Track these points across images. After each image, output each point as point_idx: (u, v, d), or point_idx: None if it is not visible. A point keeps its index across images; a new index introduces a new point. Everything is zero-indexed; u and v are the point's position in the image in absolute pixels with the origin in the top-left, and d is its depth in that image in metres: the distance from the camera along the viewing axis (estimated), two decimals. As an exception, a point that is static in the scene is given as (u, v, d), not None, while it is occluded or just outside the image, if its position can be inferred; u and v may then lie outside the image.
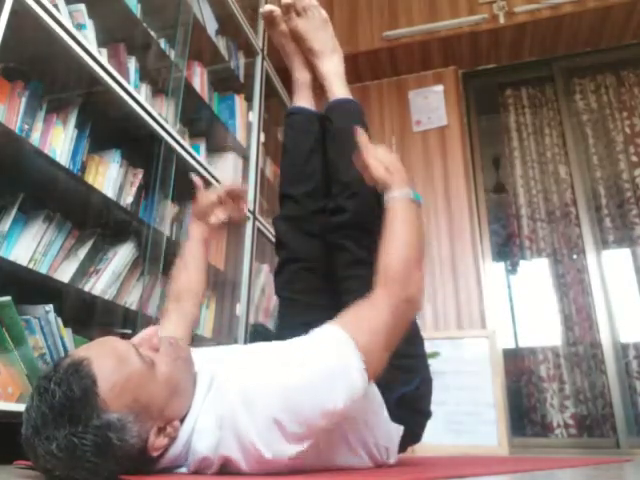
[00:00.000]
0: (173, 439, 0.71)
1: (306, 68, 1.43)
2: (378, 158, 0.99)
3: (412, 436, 1.05)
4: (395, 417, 0.98)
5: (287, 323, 1.23)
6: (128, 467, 0.66)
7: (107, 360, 0.66)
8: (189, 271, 1.16)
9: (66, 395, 0.61)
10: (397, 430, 0.98)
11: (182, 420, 0.73)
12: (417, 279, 0.87)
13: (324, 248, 1.22)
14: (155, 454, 0.69)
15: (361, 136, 1.02)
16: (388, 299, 0.83)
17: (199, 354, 0.92)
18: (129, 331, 1.46)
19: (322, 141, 1.32)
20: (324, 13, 1.41)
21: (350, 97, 1.36)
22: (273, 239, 2.34)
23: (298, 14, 1.39)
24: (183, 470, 0.73)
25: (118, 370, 0.65)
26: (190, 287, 1.14)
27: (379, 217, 1.17)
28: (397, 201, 0.94)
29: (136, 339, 0.74)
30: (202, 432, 0.71)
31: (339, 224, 1.16)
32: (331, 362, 0.74)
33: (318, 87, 1.44)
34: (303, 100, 1.43)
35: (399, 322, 0.83)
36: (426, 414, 1.08)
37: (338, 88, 1.35)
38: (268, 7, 1.42)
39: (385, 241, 0.91)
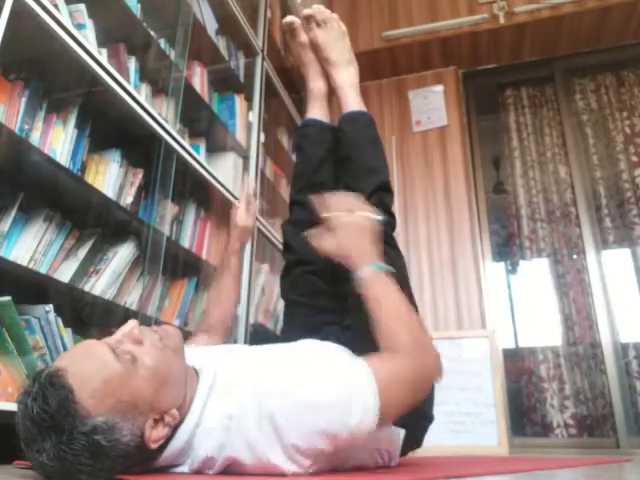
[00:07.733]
0: (173, 428, 0.71)
1: (321, 78, 1.49)
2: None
3: (413, 440, 1.05)
4: (397, 421, 0.97)
5: (292, 325, 1.23)
6: (127, 465, 0.66)
7: (83, 367, 0.65)
8: (223, 306, 1.26)
9: (43, 409, 0.61)
10: (398, 434, 0.98)
11: (182, 414, 0.72)
12: (425, 343, 0.83)
13: None
14: (154, 446, 0.68)
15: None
16: (404, 359, 0.79)
17: (199, 352, 0.92)
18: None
19: (334, 151, 1.35)
20: (343, 26, 1.49)
21: (364, 109, 1.41)
22: (273, 239, 2.36)
23: (318, 25, 1.45)
24: (184, 469, 0.73)
25: (95, 375, 0.64)
26: (223, 320, 1.25)
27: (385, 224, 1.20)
28: (365, 281, 0.87)
29: (116, 335, 0.73)
30: (208, 431, 0.71)
31: None
32: (349, 391, 0.71)
33: (332, 98, 1.49)
34: (317, 111, 1.47)
35: (418, 382, 0.80)
36: (429, 418, 1.07)
37: (352, 100, 1.40)
38: (289, 18, 1.50)
39: (376, 324, 0.84)
